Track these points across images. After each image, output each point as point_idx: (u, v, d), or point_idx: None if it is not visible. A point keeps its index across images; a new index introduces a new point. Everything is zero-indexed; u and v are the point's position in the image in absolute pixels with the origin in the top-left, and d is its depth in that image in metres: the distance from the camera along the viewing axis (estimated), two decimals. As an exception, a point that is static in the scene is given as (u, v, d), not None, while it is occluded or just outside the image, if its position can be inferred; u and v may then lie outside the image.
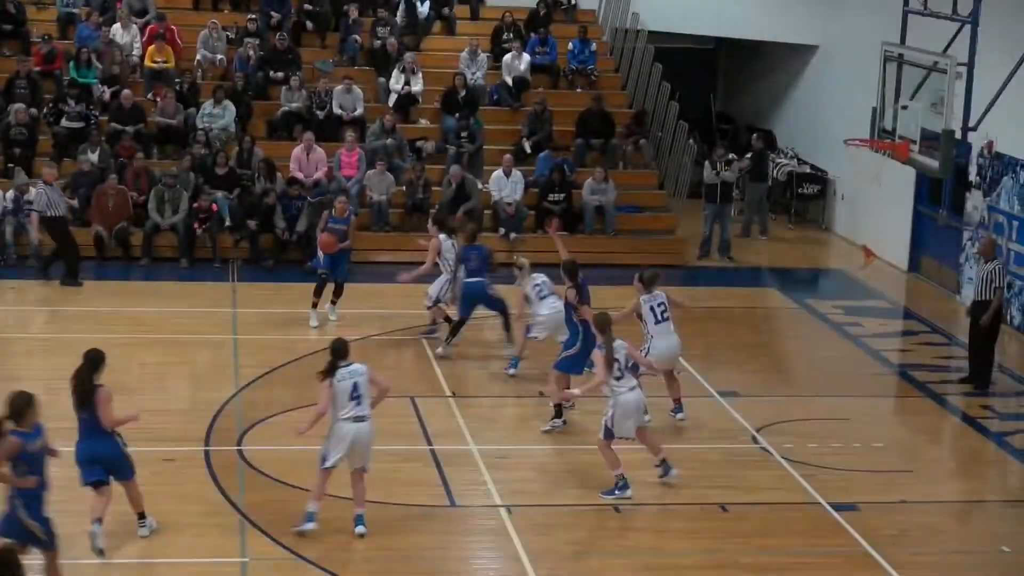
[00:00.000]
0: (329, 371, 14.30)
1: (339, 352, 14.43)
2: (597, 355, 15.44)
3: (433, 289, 20.58)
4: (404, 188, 26.72)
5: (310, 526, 14.27)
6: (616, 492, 15.47)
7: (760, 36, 32.89)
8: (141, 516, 14.28)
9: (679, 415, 17.84)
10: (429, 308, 20.85)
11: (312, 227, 25.22)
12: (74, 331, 20.65)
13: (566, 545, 14.55)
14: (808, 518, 15.34)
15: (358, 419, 14.26)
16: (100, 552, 13.66)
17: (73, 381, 13.94)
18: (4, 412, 12.06)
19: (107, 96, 27.78)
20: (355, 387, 14.26)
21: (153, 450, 16.20)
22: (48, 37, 28.91)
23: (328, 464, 14.34)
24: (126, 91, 27.37)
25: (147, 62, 28.68)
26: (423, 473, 16.07)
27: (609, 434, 15.42)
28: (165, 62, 28.64)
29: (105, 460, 13.92)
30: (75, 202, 24.98)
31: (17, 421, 12.15)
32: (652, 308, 17.48)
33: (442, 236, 20.65)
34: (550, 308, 18.72)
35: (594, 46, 31.12)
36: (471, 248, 20.29)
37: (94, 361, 13.93)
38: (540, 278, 19.14)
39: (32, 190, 24.85)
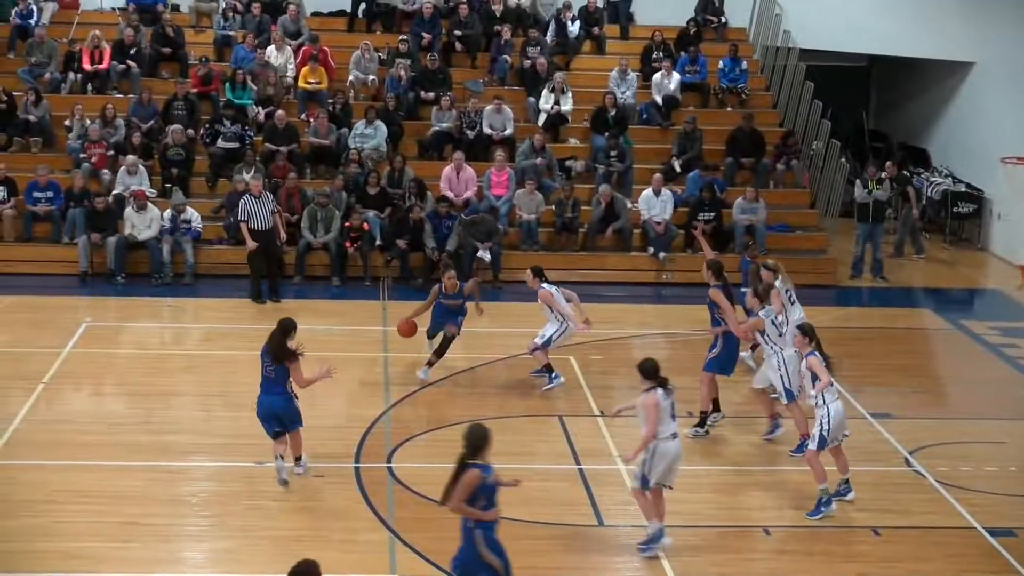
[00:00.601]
0: (653, 389, 14.19)
1: (653, 371, 14.28)
2: (815, 362, 15.33)
3: (548, 330, 19.86)
4: (553, 207, 26.74)
5: (664, 543, 14.39)
6: (822, 509, 15.35)
7: (914, 53, 32.42)
8: (297, 459, 15.99)
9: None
10: (534, 351, 19.96)
11: (462, 246, 25.40)
12: (226, 347, 20.98)
13: (713, 567, 14.42)
14: (962, 543, 15.04)
15: (675, 436, 14.32)
16: (284, 483, 15.68)
17: (268, 344, 15.63)
18: (463, 446, 12.17)
19: (262, 117, 28.23)
20: (673, 405, 14.29)
21: (313, 465, 16.40)
22: (205, 59, 29.46)
23: (651, 484, 14.33)
24: (280, 112, 27.76)
25: (301, 83, 29.11)
26: (571, 492, 16.03)
27: (823, 444, 15.27)
28: (318, 83, 29.07)
29: (279, 414, 15.65)
30: (293, 217, 25.55)
31: (475, 454, 12.15)
32: (773, 321, 17.28)
33: (545, 285, 19.89)
34: (799, 314, 18.59)
35: (744, 64, 30.92)
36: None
37: (285, 328, 15.74)
38: (789, 283, 18.84)
39: (189, 209, 25.42)
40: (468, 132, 28.23)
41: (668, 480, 14.47)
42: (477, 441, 12.18)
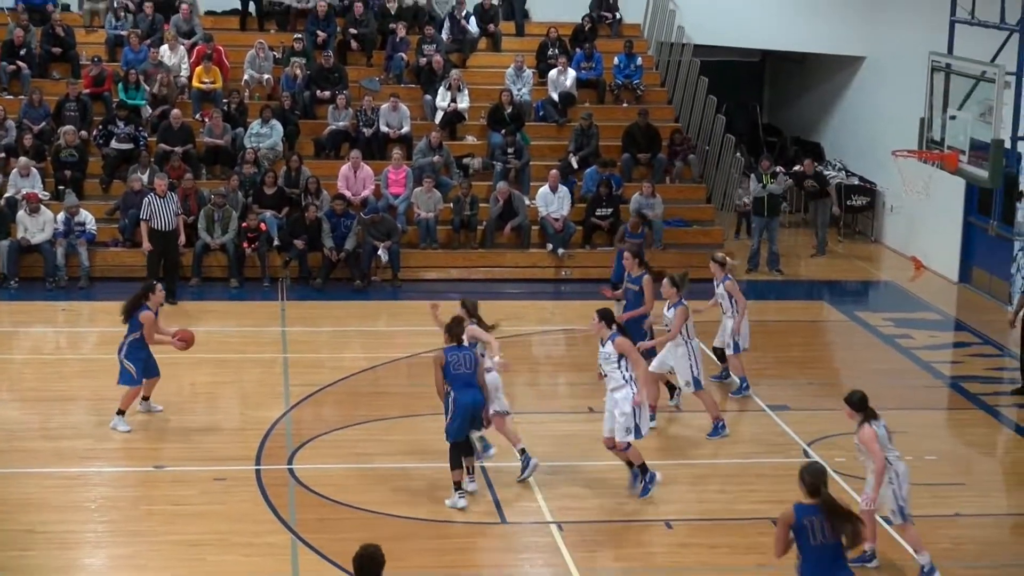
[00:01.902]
0: (866, 422, 13.95)
1: (862, 404, 13.98)
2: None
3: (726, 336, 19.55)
4: (451, 205, 26.75)
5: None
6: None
7: (806, 48, 32.81)
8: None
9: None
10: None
11: (360, 245, 25.33)
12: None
13: (616, 562, 14.51)
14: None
15: (899, 458, 14.21)
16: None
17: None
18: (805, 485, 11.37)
19: (155, 116, 27.94)
20: (887, 429, 14.10)
21: (204, 469, 16.37)
22: (97, 59, 29.10)
23: (909, 512, 14.10)
24: (175, 111, 27.52)
25: (195, 83, 28.87)
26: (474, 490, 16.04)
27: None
28: (213, 82, 28.85)
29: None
30: (189, 218, 25.29)
31: (814, 494, 11.32)
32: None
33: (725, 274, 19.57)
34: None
35: (640, 60, 31.09)
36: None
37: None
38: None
39: (83, 211, 25.17)
40: (365, 131, 28.14)
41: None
42: (816, 480, 11.35)
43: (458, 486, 15.50)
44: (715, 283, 19.55)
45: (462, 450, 15.59)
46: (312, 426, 18.02)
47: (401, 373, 20.64)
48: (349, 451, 17.10)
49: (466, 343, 15.75)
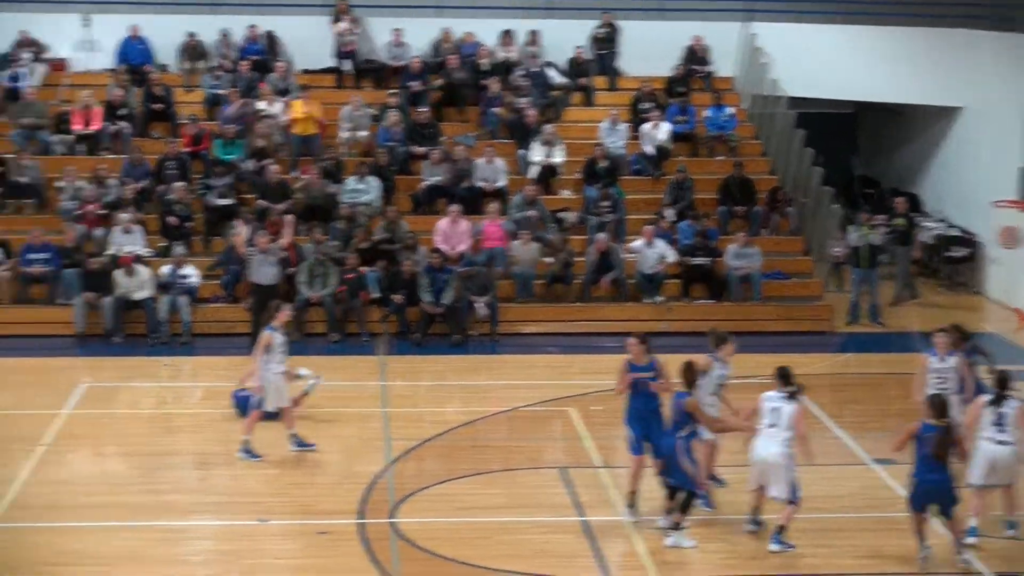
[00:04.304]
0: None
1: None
2: None
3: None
4: (548, 259, 26.76)
5: None
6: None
7: (902, 99, 32.62)
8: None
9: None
10: None
11: (458, 300, 25.39)
12: (225, 406, 20.86)
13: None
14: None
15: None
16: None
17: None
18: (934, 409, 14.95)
19: (253, 173, 28.22)
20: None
21: (306, 523, 16.39)
22: (195, 118, 29.51)
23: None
24: (274, 166, 27.78)
25: (296, 129, 29.18)
26: (574, 545, 15.96)
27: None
28: (312, 132, 29.14)
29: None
30: (288, 270, 25.55)
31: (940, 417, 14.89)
32: None
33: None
34: None
35: (732, 110, 31.06)
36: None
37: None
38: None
39: (186, 266, 25.50)
40: (461, 185, 28.22)
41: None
42: None
43: (676, 526, 15.78)
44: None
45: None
46: (414, 480, 18.04)
47: (501, 427, 20.64)
48: (451, 505, 17.07)
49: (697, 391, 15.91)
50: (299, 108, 29.26)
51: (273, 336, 18.41)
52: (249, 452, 18.49)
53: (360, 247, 26.43)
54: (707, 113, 30.92)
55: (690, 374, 15.82)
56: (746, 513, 16.11)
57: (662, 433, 16.09)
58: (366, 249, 26.40)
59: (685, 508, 15.72)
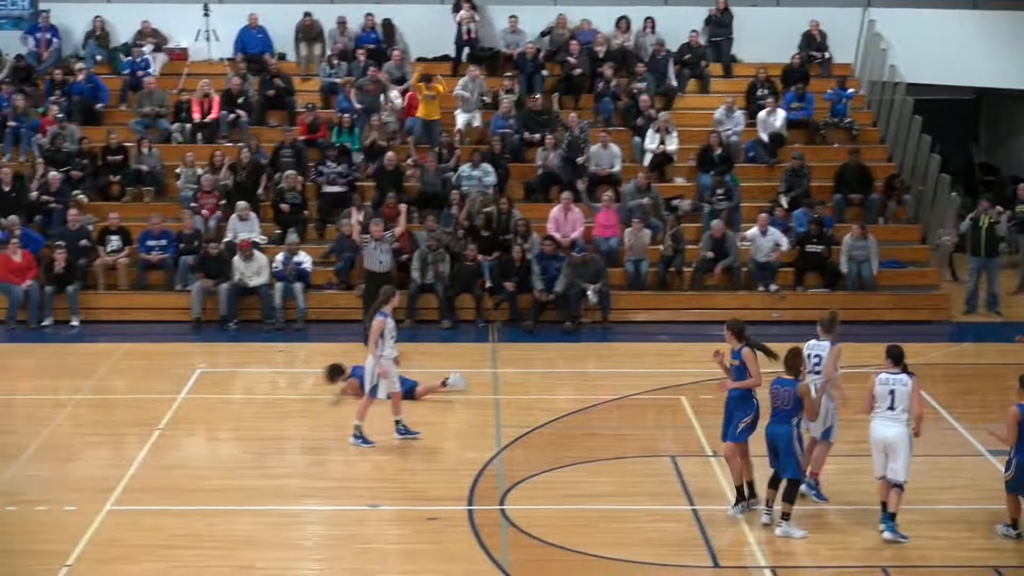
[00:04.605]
0: None
1: None
2: None
3: None
4: (661, 247, 26.65)
5: None
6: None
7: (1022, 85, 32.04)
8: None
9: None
10: None
11: (569, 287, 25.37)
12: (332, 393, 21.16)
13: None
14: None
15: None
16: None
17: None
18: None
19: (367, 159, 28.41)
20: None
21: (416, 509, 16.46)
22: (312, 106, 29.75)
23: None
24: (390, 154, 27.96)
25: (420, 112, 29.35)
26: (684, 533, 15.89)
27: None
28: (434, 96, 29.26)
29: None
30: (402, 257, 25.75)
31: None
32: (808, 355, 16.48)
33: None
34: None
35: (850, 91, 30.71)
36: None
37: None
38: None
39: (301, 252, 25.70)
40: (575, 172, 28.15)
41: None
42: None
43: (786, 516, 15.61)
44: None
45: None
46: (524, 467, 18.03)
47: (611, 415, 20.59)
48: (560, 493, 17.05)
49: (802, 378, 15.65)
50: (425, 91, 29.31)
51: (386, 322, 18.51)
52: (362, 438, 18.62)
53: (465, 226, 26.49)
54: (829, 92, 30.61)
55: (796, 361, 15.67)
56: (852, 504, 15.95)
57: (729, 420, 16.10)
58: (479, 237, 26.46)
59: (791, 497, 15.58)
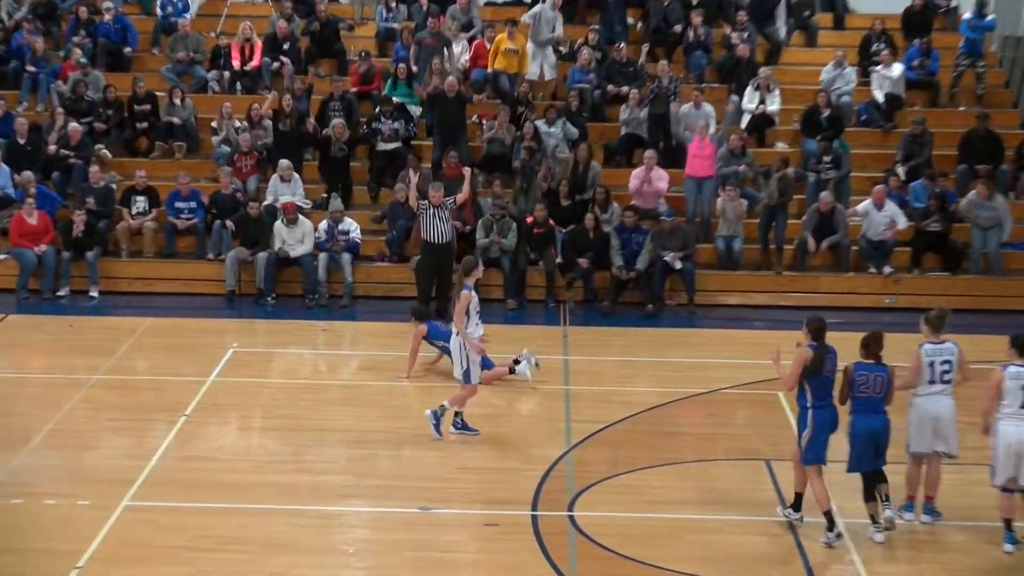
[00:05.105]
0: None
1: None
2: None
3: None
4: (758, 220, 26.42)
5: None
6: None
7: None
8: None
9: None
10: None
11: (652, 264, 25.19)
12: (388, 378, 21.21)
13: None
14: None
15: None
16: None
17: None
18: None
19: (425, 112, 28.36)
20: None
21: (473, 512, 16.40)
22: (366, 54, 29.68)
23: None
24: (449, 79, 27.67)
25: (493, 64, 29.31)
26: (777, 547, 15.71)
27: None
28: (517, 51, 29.17)
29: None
30: (466, 228, 25.79)
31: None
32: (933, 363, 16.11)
33: None
34: None
35: (990, 19, 30.45)
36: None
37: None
38: None
39: (347, 219, 25.64)
40: (659, 133, 27.96)
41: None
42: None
43: (873, 519, 15.53)
44: None
45: (871, 479, 15.56)
46: (596, 468, 17.92)
47: (697, 411, 20.48)
48: (637, 498, 16.91)
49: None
50: (508, 43, 29.18)
51: (472, 295, 18.36)
52: (464, 426, 18.69)
53: (543, 188, 26.40)
54: (956, 53, 30.33)
55: (876, 346, 15.54)
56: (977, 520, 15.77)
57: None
58: (557, 206, 26.30)
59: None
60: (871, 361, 15.42)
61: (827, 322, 15.61)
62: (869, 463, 15.52)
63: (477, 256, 21.28)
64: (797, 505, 16.00)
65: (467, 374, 18.48)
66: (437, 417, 18.59)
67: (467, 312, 18.32)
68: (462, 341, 18.34)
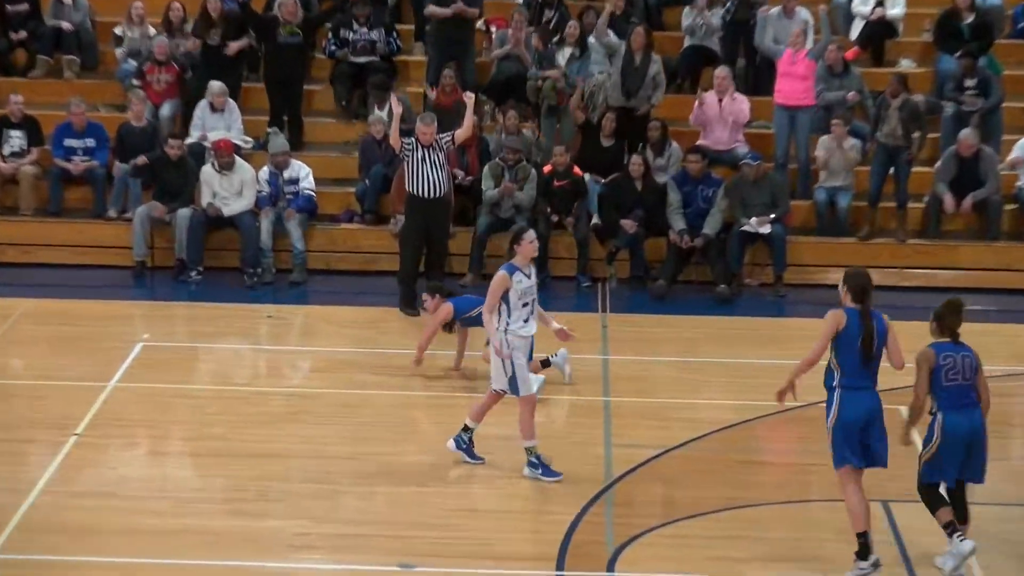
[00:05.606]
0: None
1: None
2: None
3: None
4: (872, 166, 26.42)
5: None
6: None
7: None
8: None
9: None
10: None
11: (726, 228, 25.17)
12: (354, 384, 21.47)
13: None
14: None
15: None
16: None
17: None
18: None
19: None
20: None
21: (474, 572, 16.44)
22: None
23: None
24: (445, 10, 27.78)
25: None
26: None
27: None
28: None
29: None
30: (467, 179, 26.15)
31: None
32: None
33: None
34: None
35: None
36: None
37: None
38: None
39: (297, 164, 25.65)
40: (739, 47, 28.04)
41: None
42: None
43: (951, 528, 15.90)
44: None
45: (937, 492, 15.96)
46: (645, 512, 18.02)
47: (785, 432, 20.60)
48: (700, 552, 16.91)
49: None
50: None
51: (513, 279, 18.13)
52: (540, 466, 18.43)
53: (579, 120, 26.58)
54: None
55: (955, 319, 16.00)
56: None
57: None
58: (597, 147, 26.33)
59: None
60: (947, 339, 15.69)
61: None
62: (956, 471, 15.85)
63: (520, 221, 21.27)
64: (862, 551, 16.14)
65: (513, 382, 18.23)
66: (464, 444, 18.58)
67: (505, 302, 18.16)
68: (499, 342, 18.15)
